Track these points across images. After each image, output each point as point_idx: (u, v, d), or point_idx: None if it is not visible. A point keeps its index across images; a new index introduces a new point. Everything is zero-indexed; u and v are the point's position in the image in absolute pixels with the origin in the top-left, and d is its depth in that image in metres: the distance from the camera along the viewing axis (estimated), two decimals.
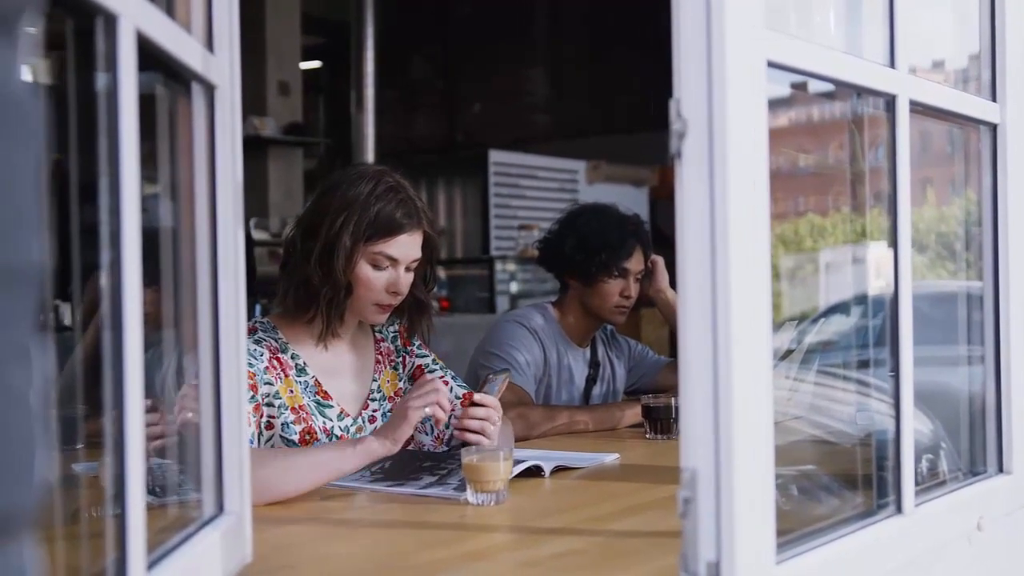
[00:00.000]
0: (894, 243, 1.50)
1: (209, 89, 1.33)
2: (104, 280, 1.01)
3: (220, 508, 1.35)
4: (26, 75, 0.59)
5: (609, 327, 3.16)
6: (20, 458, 0.56)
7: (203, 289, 1.35)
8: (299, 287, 2.17)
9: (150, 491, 1.13)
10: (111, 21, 0.99)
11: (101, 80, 1.01)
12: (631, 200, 6.74)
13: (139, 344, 1.02)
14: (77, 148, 1.03)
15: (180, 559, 1.17)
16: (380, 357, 2.34)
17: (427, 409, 1.96)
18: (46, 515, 0.63)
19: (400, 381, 2.35)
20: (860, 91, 1.53)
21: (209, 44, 1.34)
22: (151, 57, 1.11)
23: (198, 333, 1.35)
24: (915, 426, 1.54)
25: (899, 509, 1.49)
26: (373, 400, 2.29)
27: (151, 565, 1.08)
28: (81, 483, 1.35)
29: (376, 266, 2.16)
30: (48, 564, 0.65)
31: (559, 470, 2.14)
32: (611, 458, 2.31)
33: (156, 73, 1.23)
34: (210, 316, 1.35)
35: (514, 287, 7.54)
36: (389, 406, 2.29)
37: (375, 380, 2.31)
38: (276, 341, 2.18)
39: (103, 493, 1.39)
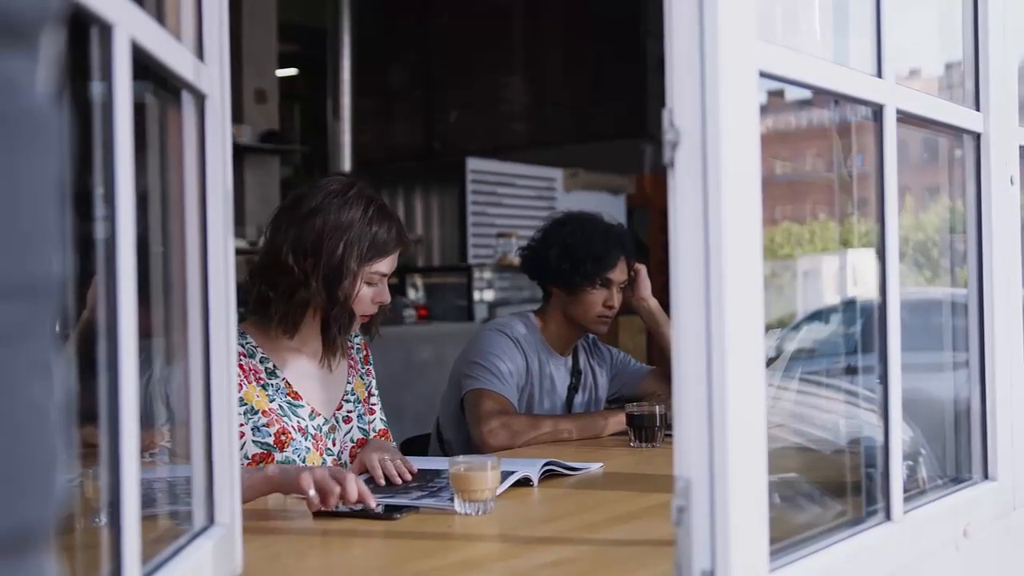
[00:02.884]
0: (882, 251, 1.51)
1: (200, 98, 1.33)
2: (96, 289, 1.00)
3: (211, 519, 1.35)
4: (46, 86, 0.59)
5: (591, 335, 3.16)
6: (42, 471, 0.55)
7: (193, 298, 1.34)
8: (299, 308, 2.20)
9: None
10: (106, 30, 0.98)
11: (95, 88, 1.00)
12: (608, 208, 6.74)
13: (133, 354, 1.01)
14: (70, 156, 1.02)
15: (173, 570, 1.16)
16: (352, 363, 2.42)
17: (311, 492, 1.79)
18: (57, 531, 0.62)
19: (365, 390, 2.43)
20: (849, 100, 1.55)
21: (199, 53, 1.33)
22: (143, 66, 1.10)
23: (188, 343, 1.34)
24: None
25: (888, 516, 1.49)
26: (348, 401, 2.36)
27: None
28: (73, 495, 1.34)
29: (369, 283, 2.25)
30: None
31: (548, 476, 2.14)
32: (596, 467, 2.32)
33: (146, 82, 1.23)
34: (200, 326, 1.34)
35: (492, 295, 7.54)
36: (362, 408, 2.38)
37: (349, 383, 2.38)
38: (243, 346, 2.21)
39: (88, 504, 1.38)
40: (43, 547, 0.56)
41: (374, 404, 2.46)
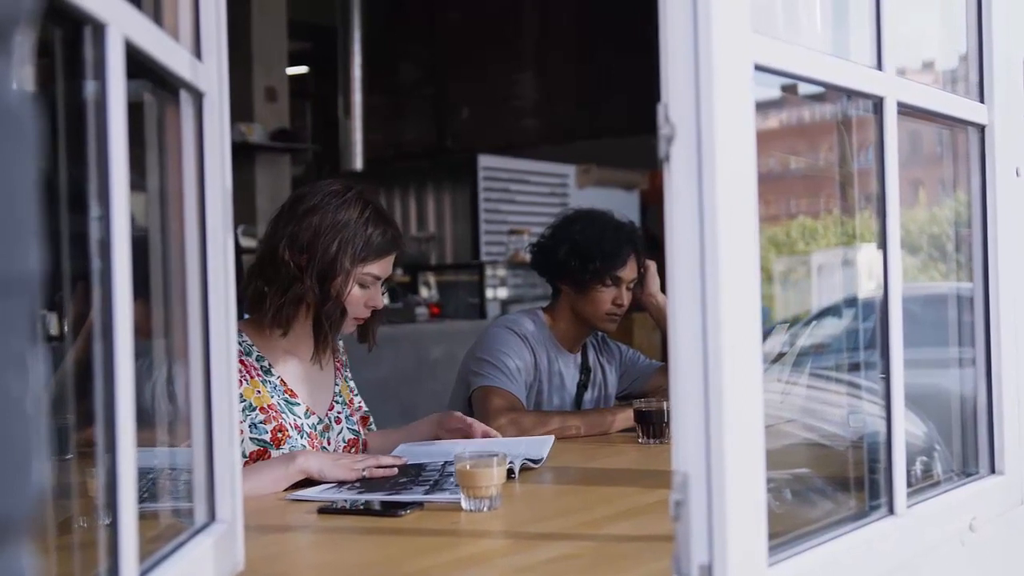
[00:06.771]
0: (883, 244, 1.51)
1: (197, 97, 1.33)
2: (94, 289, 1.01)
3: (212, 516, 1.35)
4: (20, 84, 0.59)
5: (600, 332, 3.16)
6: (18, 465, 0.56)
7: (193, 298, 1.34)
8: (293, 304, 2.24)
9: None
10: (99, 29, 0.99)
11: (89, 88, 1.01)
12: (621, 204, 6.75)
13: (129, 353, 1.01)
14: (64, 156, 1.02)
15: (172, 567, 1.16)
16: (339, 365, 2.46)
17: (365, 472, 2.09)
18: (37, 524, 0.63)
19: (350, 392, 2.47)
20: (847, 93, 1.54)
21: (197, 51, 1.33)
22: (139, 65, 1.10)
23: (188, 342, 1.35)
24: (908, 428, 1.54)
25: (891, 510, 1.49)
26: (337, 402, 2.40)
27: (143, 573, 1.08)
28: (73, 493, 1.34)
29: (362, 285, 2.28)
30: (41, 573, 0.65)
31: (531, 470, 2.18)
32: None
33: (144, 81, 1.23)
34: (200, 325, 1.35)
35: (505, 292, 7.54)
36: (349, 411, 2.42)
37: (336, 384, 2.42)
38: (240, 345, 2.23)
39: (90, 503, 1.39)
40: (20, 538, 0.57)
41: (360, 401, 2.51)
